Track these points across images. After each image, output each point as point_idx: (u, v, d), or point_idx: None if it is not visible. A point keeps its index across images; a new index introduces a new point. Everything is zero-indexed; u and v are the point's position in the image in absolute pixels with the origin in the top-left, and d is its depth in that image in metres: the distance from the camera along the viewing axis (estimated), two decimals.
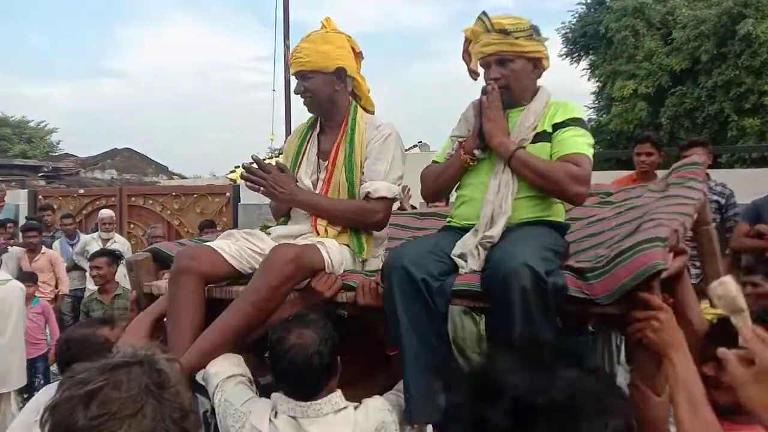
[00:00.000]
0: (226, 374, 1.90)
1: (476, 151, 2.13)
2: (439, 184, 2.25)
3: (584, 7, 17.39)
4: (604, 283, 1.71)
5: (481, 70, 2.20)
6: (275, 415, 1.78)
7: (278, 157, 9.12)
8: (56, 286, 6.74)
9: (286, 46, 11.29)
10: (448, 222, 2.23)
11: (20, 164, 17.08)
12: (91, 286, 6.10)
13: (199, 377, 1.95)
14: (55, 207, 9.28)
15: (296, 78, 2.29)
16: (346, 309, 2.14)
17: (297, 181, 2.29)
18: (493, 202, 2.04)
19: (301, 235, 2.23)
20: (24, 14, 78.16)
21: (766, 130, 12.99)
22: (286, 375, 1.78)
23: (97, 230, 7.35)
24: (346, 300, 2.06)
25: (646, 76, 14.51)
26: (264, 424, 1.76)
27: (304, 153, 2.35)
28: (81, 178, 15.44)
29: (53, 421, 1.02)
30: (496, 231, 1.97)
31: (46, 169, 16.32)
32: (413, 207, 4.64)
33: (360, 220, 2.21)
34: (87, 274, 6.34)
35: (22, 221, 8.39)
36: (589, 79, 17.49)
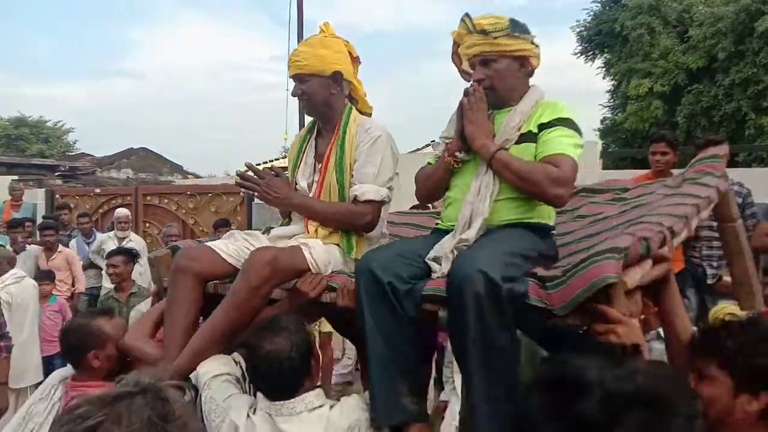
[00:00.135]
0: (214, 373, 2.00)
1: (459, 154, 2.13)
2: (429, 186, 2.27)
3: (599, 5, 17.28)
4: (561, 293, 1.68)
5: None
6: (254, 412, 1.87)
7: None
8: (73, 285, 6.82)
9: None
10: (437, 224, 2.23)
11: (38, 163, 17.28)
12: (107, 285, 6.15)
13: (193, 378, 2.04)
14: (72, 206, 9.38)
15: (294, 81, 2.34)
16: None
17: (296, 184, 2.36)
18: (472, 203, 2.03)
19: (296, 235, 2.30)
20: (40, 16, 79.12)
21: None
22: (261, 379, 1.89)
23: (113, 229, 7.42)
24: (329, 300, 2.10)
25: (662, 74, 14.39)
26: (241, 420, 1.86)
27: (302, 156, 2.41)
28: (97, 178, 15.59)
29: None
30: (471, 233, 1.97)
31: (62, 169, 16.50)
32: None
33: (349, 223, 2.25)
34: (103, 272, 6.40)
35: (39, 220, 8.48)
36: (604, 78, 17.41)
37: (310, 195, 2.33)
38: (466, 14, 2.11)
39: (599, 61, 17.46)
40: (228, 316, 2.03)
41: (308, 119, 2.51)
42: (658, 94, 14.38)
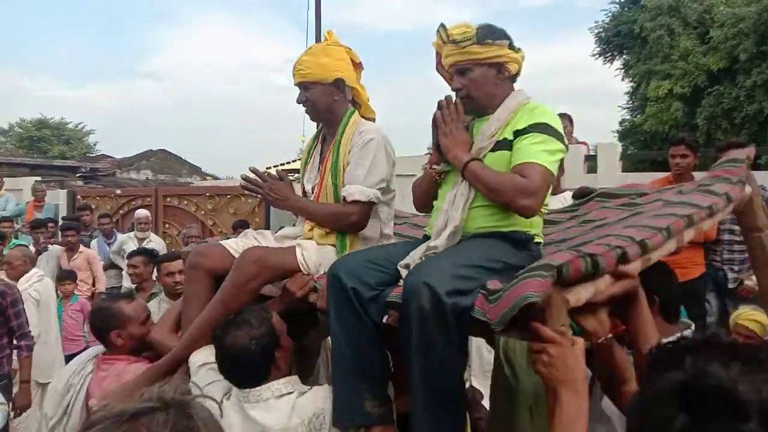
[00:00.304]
0: (202, 362, 2.15)
1: (436, 166, 2.15)
2: (419, 195, 2.32)
3: (618, 6, 17.15)
4: (496, 308, 1.66)
5: None
6: (228, 398, 2.01)
7: None
8: (93, 284, 6.91)
9: None
10: (424, 232, 2.27)
11: (59, 165, 17.51)
12: (127, 285, 6.22)
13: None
14: (93, 207, 9.51)
15: (299, 88, 2.43)
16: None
17: (304, 188, 2.50)
18: (446, 211, 2.05)
19: (299, 236, 2.41)
20: (63, 18, 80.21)
21: None
22: (226, 369, 2.04)
23: (134, 230, 7.51)
24: (315, 300, 2.16)
25: (682, 75, 14.22)
26: (214, 406, 1.95)
27: (310, 161, 2.54)
28: (117, 179, 15.76)
29: None
30: (440, 241, 1.99)
31: (83, 170, 16.70)
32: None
33: (337, 223, 2.32)
34: (123, 272, 6.48)
35: (61, 221, 8.60)
36: (622, 79, 17.24)
37: (312, 198, 2.44)
38: (441, 25, 2.11)
39: (618, 63, 17.31)
40: (216, 311, 2.16)
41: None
42: (677, 95, 14.21)
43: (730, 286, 4.72)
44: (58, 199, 10.53)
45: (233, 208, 9.32)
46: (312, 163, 2.52)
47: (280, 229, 2.55)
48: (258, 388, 1.97)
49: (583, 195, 3.22)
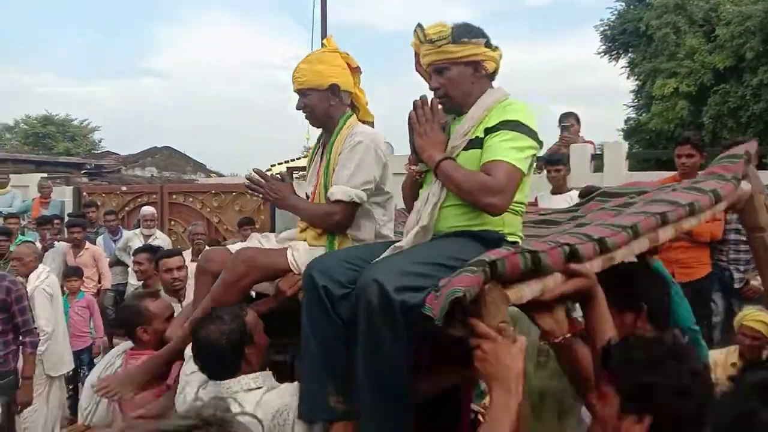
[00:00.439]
0: (192, 354, 2.25)
1: (415, 167, 2.19)
2: (405, 196, 2.36)
3: (624, 4, 17.10)
4: (437, 304, 1.64)
5: None
6: (204, 388, 2.15)
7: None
8: (99, 281, 6.94)
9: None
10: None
11: (64, 161, 17.51)
12: (133, 281, 6.26)
13: None
14: (99, 204, 9.53)
15: (298, 95, 2.50)
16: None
17: (307, 189, 2.58)
18: (419, 210, 2.07)
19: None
20: (68, 15, 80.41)
21: None
22: (200, 361, 2.15)
23: (139, 227, 7.53)
24: (302, 300, 2.19)
25: (688, 74, 14.16)
26: (192, 393, 2.18)
27: (312, 163, 2.62)
28: (122, 176, 15.77)
29: None
30: (406, 240, 2.02)
31: (88, 167, 16.72)
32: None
33: (323, 222, 2.38)
34: (129, 269, 6.51)
35: (67, 217, 8.63)
36: (628, 78, 17.19)
37: (310, 200, 2.52)
38: (418, 24, 2.11)
39: (623, 61, 17.26)
40: (208, 307, 2.27)
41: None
42: (683, 94, 14.16)
43: (736, 286, 4.72)
44: (63, 196, 10.56)
45: (239, 206, 9.34)
46: (313, 167, 2.60)
47: (285, 229, 2.62)
48: (229, 381, 2.07)
49: (588, 194, 3.21)
